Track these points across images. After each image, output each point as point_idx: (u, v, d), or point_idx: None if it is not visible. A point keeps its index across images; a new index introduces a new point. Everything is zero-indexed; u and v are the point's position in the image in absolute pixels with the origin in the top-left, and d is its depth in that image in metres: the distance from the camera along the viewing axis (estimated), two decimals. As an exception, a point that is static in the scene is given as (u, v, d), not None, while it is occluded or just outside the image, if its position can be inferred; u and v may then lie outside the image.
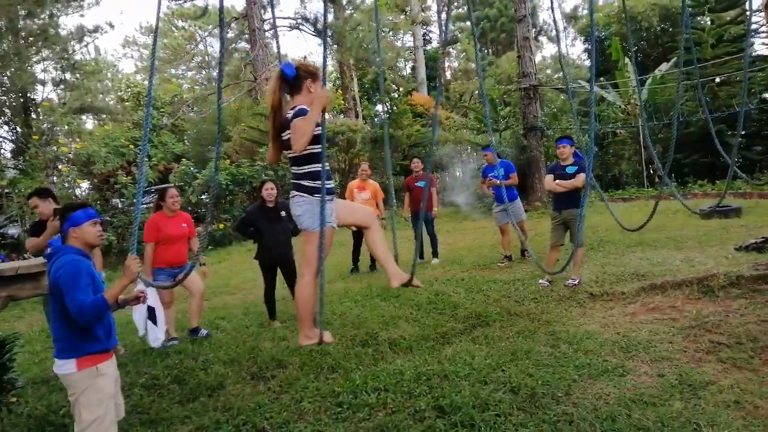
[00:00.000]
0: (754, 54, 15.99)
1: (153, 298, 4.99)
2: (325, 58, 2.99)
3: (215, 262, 11.38)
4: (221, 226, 13.07)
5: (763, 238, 6.87)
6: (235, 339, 5.29)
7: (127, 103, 23.15)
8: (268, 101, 3.13)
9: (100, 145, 15.02)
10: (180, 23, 34.59)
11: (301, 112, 2.89)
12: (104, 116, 25.18)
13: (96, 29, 21.59)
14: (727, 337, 4.16)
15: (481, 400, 3.57)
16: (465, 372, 4.02)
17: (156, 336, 4.97)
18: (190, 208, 14.10)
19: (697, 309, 4.82)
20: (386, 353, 4.65)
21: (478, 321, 5.27)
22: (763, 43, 16.95)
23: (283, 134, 3.04)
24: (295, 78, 3.04)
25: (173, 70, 34.09)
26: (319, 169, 2.93)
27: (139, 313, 4.97)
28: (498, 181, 6.26)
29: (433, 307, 5.86)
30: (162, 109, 20.50)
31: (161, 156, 16.47)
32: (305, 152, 2.95)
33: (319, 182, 2.91)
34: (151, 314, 5.00)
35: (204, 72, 37.39)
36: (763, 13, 5.50)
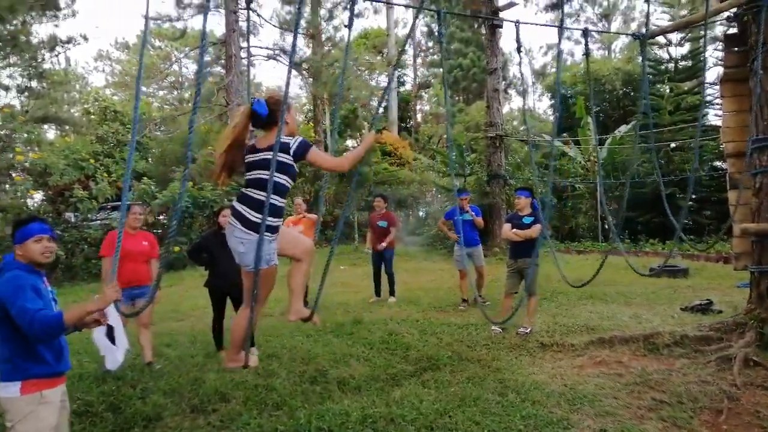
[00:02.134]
0: (707, 124, 16.87)
1: (114, 316, 4.77)
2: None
3: (166, 285, 11.05)
4: (176, 249, 12.73)
5: (707, 300, 7.13)
6: (178, 368, 5.10)
7: (92, 117, 22.70)
8: (229, 134, 3.08)
9: (59, 157, 14.61)
10: (157, 42, 34.51)
11: (313, 148, 2.99)
12: (67, 128, 24.61)
13: (69, 40, 21.25)
14: (669, 396, 4.24)
15: (425, 446, 3.52)
16: (412, 416, 3.97)
17: (114, 358, 4.74)
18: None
19: (642, 366, 4.92)
20: (334, 392, 4.55)
21: (429, 364, 5.23)
22: (716, 115, 17.92)
23: (248, 157, 3.02)
24: (268, 114, 3.03)
25: (145, 88, 33.73)
26: (283, 204, 3.00)
27: (98, 331, 4.74)
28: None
29: (386, 347, 5.81)
30: (129, 125, 20.18)
31: (122, 172, 16.11)
32: (257, 176, 2.96)
33: (276, 219, 2.96)
34: (110, 333, 4.76)
35: (176, 92, 37.17)
36: (718, 86, 5.91)
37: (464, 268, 7.95)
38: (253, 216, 2.89)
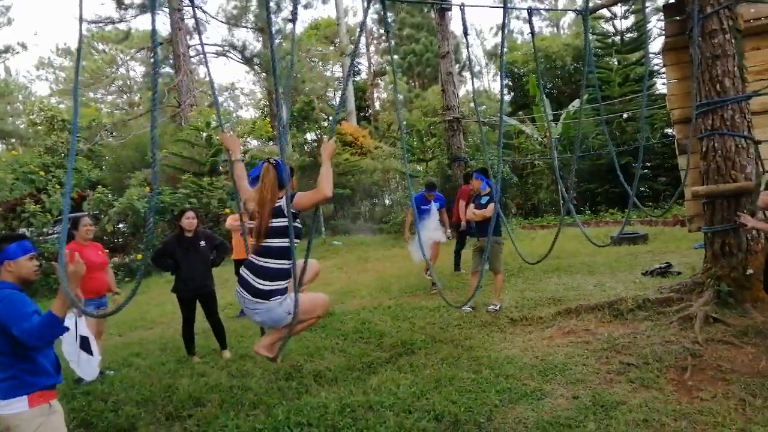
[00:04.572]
0: (655, 93, 17.35)
1: (84, 327, 4.66)
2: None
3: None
4: (139, 256, 12.46)
5: (666, 263, 7.38)
6: (149, 377, 5.00)
7: (39, 127, 21.85)
8: (262, 196, 3.02)
9: (7, 172, 14.04)
10: (101, 46, 33.35)
11: (296, 195, 2.98)
12: (13, 140, 23.67)
13: (7, 50, 20.45)
14: (635, 358, 4.39)
15: (405, 429, 3.56)
16: (390, 402, 4.00)
17: (92, 368, 4.62)
18: (105, 238, 13.38)
19: (609, 331, 5.08)
20: (311, 386, 4.55)
21: (403, 349, 5.28)
22: (663, 83, 18.43)
23: (274, 221, 2.96)
24: (288, 177, 3.02)
25: (92, 94, 32.65)
26: (288, 266, 2.92)
27: (67, 344, 4.62)
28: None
29: (359, 336, 5.82)
30: (78, 134, 19.50)
31: (74, 183, 15.59)
32: (280, 244, 2.95)
33: (282, 282, 2.99)
34: (85, 344, 4.65)
35: (125, 96, 36.12)
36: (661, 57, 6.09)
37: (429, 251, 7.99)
38: (258, 283, 2.95)
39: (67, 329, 2.65)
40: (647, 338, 4.75)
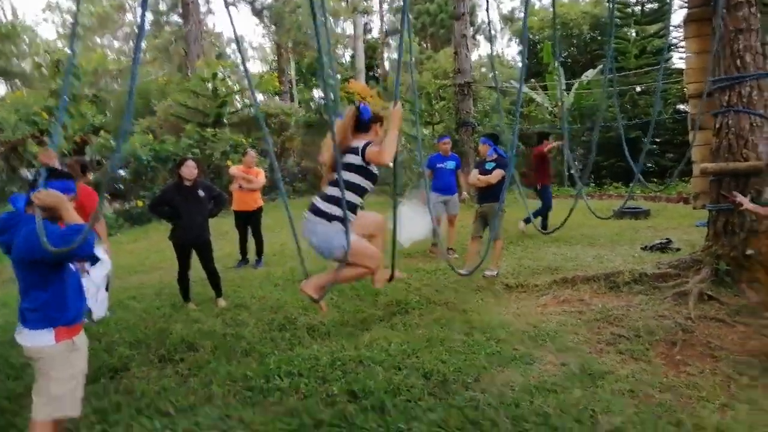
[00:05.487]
0: (672, 67, 16.96)
1: (107, 268, 4.66)
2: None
3: (131, 240, 10.85)
4: (140, 203, 12.47)
5: (666, 239, 7.36)
6: (144, 320, 5.06)
7: (44, 70, 21.54)
8: (338, 133, 3.01)
9: (10, 112, 13.92)
10: (108, -10, 32.64)
11: (369, 146, 3.02)
12: (18, 82, 23.44)
13: (12, -13, 20.01)
14: (627, 330, 4.40)
15: (393, 385, 3.60)
16: (380, 358, 4.04)
17: (104, 307, 4.66)
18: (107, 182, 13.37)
19: (603, 303, 5.08)
20: (303, 338, 4.60)
21: (397, 308, 5.31)
22: (680, 58, 18.03)
23: (348, 156, 3.05)
24: (369, 120, 3.14)
25: (98, 39, 32.14)
26: (353, 201, 3.04)
27: (96, 277, 4.61)
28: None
29: (355, 293, 5.85)
30: (83, 79, 19.24)
31: (77, 127, 15.46)
32: (347, 178, 3.00)
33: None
34: (107, 284, 4.69)
35: (131, 43, 35.52)
36: (682, 28, 5.88)
37: (439, 215, 7.84)
38: (322, 205, 3.06)
39: (93, 244, 2.72)
40: (641, 311, 4.76)
